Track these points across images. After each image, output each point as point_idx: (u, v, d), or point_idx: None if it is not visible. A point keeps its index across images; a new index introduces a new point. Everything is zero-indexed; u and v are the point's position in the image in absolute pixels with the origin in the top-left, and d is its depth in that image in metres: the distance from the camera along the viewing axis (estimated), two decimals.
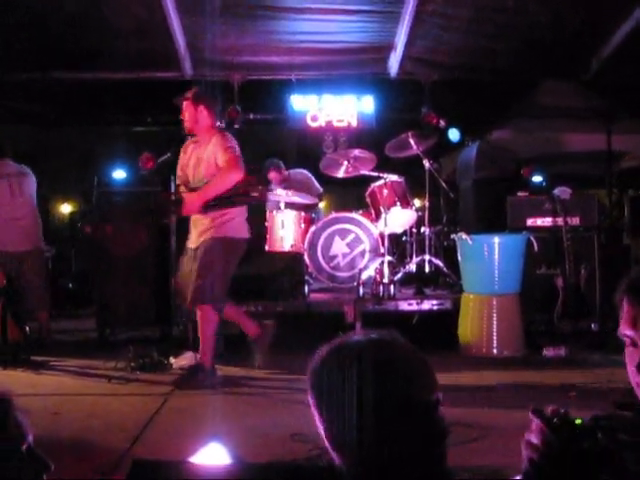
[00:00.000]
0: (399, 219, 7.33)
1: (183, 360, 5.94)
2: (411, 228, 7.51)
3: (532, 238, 6.46)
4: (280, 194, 7.42)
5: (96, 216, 7.56)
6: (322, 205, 11.38)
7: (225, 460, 2.56)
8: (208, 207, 5.43)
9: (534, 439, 1.23)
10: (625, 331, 1.46)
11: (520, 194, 7.45)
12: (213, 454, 2.61)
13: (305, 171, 8.44)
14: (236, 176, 5.38)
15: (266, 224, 7.50)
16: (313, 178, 8.56)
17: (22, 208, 6.74)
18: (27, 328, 6.10)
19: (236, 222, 5.56)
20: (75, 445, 3.86)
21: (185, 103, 5.62)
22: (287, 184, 8.20)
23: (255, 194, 5.66)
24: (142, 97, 10.04)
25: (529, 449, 1.23)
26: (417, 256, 7.34)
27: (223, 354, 5.76)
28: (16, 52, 9.03)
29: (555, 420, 1.22)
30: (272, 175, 8.31)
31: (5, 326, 5.95)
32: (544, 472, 1.21)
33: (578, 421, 1.23)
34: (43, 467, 1.36)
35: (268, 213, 7.48)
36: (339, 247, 7.24)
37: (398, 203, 7.19)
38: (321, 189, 8.58)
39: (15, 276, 6.56)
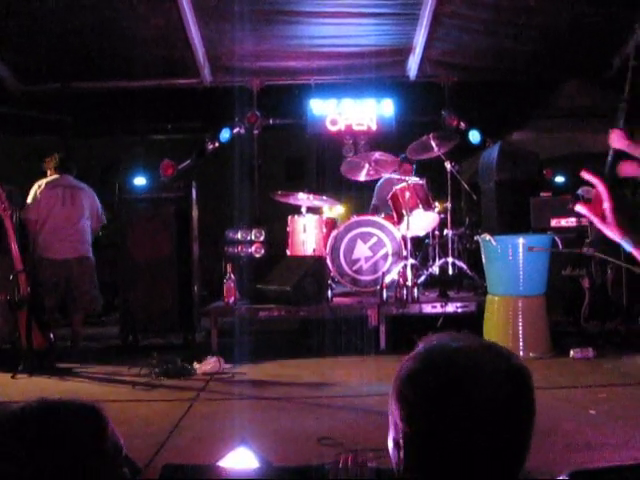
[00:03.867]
0: (421, 222, 7.29)
1: (207, 365, 5.95)
2: (433, 231, 7.46)
3: (557, 239, 6.37)
4: (301, 198, 7.39)
5: (118, 223, 7.59)
6: (342, 210, 11.41)
7: (253, 464, 2.54)
8: None
9: None
10: None
11: (543, 195, 7.38)
12: (241, 458, 2.59)
13: None
14: None
15: (287, 229, 7.49)
16: None
17: (71, 218, 6.84)
18: (51, 335, 6.11)
19: None
20: None
21: None
22: None
23: None
24: (162, 105, 10.07)
25: None
26: (440, 259, 7.29)
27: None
28: (37, 63, 9.11)
29: None
30: (406, 167, 8.05)
31: (30, 333, 5.97)
32: None
33: None
34: (136, 471, 1.38)
35: (289, 217, 7.47)
36: (361, 251, 7.20)
37: (420, 205, 7.16)
38: None
39: (65, 281, 6.71)
